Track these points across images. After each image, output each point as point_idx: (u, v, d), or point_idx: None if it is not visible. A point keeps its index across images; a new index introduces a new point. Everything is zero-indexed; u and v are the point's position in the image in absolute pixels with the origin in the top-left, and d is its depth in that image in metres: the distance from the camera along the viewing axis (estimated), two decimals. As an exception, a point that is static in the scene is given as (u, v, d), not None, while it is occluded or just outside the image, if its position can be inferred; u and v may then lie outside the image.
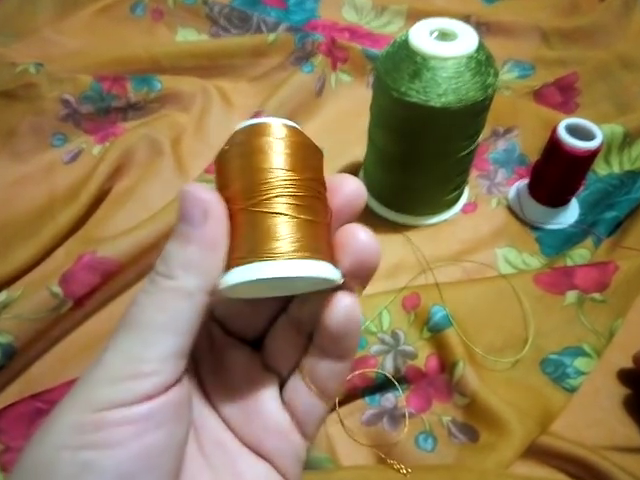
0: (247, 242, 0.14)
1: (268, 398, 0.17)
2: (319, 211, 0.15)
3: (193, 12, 0.52)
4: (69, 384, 0.28)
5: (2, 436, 0.27)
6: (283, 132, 0.15)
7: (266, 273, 0.13)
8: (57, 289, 0.31)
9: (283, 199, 0.14)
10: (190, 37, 0.53)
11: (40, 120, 0.42)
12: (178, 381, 0.14)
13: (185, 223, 0.14)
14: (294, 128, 0.16)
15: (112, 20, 0.53)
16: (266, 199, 0.14)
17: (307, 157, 0.15)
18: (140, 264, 0.35)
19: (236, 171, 0.15)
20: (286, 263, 0.14)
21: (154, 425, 0.13)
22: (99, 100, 0.43)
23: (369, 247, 0.15)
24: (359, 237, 0.15)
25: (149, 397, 0.13)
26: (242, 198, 0.14)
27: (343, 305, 0.15)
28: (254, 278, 0.13)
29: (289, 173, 0.14)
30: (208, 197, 0.14)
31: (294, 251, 0.14)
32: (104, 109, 0.43)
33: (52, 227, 0.36)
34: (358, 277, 0.16)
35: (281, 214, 0.14)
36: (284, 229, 0.14)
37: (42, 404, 0.27)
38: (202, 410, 0.17)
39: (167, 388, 0.14)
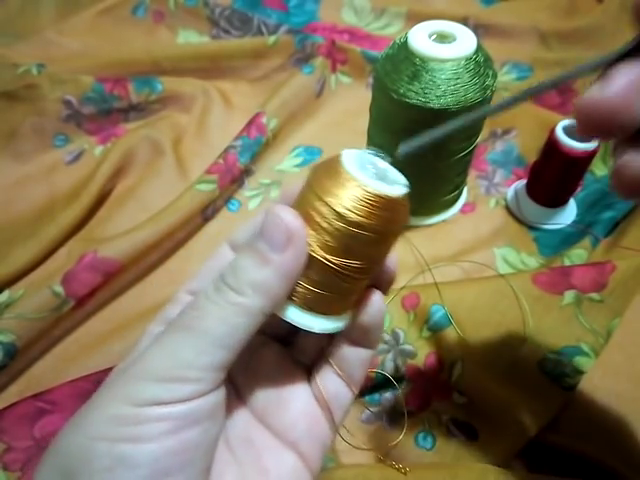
0: (310, 288, 0.15)
1: (299, 387, 0.18)
2: (366, 280, 0.17)
3: (194, 14, 0.53)
4: (70, 384, 0.28)
5: (4, 436, 0.27)
6: (371, 209, 0.15)
7: (318, 327, 0.16)
8: (59, 289, 0.31)
9: (348, 277, 0.16)
10: (191, 39, 0.53)
11: (42, 121, 0.42)
12: (217, 387, 0.15)
13: (265, 243, 0.14)
14: (386, 199, 0.15)
15: (114, 21, 0.53)
16: (335, 267, 0.15)
17: (383, 238, 0.16)
18: (141, 264, 0.35)
19: (316, 225, 0.15)
20: (333, 322, 0.16)
21: (190, 423, 0.14)
22: (101, 101, 0.43)
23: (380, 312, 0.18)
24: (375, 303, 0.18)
25: (188, 400, 0.14)
26: (316, 246, 0.15)
27: (377, 303, 0.17)
28: (309, 329, 0.16)
29: (362, 262, 0.15)
30: (295, 224, 0.14)
31: (341, 313, 0.17)
32: (106, 110, 0.44)
33: (53, 227, 0.36)
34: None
35: (341, 287, 0.16)
36: (340, 298, 0.16)
37: (43, 404, 0.28)
38: (231, 405, 0.17)
39: (206, 394, 0.14)
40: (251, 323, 0.14)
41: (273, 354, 0.18)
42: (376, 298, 0.17)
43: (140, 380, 0.14)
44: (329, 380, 0.18)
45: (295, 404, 0.17)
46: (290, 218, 0.15)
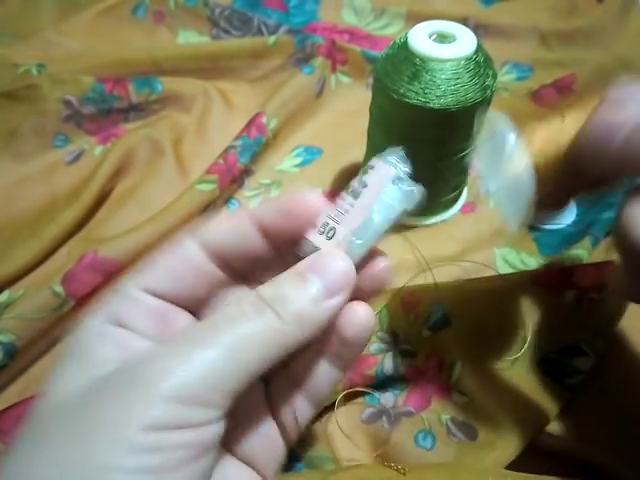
0: None
1: (258, 404, 0.17)
2: None
3: (194, 14, 0.53)
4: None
5: (4, 437, 0.27)
6: None
7: None
8: (59, 289, 0.31)
9: None
10: (191, 39, 0.53)
11: (42, 121, 0.42)
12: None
13: (323, 285, 0.15)
14: None
15: (114, 22, 0.53)
16: None
17: None
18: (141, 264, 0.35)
19: None
20: None
21: (206, 450, 0.13)
22: (101, 101, 0.43)
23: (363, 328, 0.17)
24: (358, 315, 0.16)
25: (208, 424, 0.13)
26: None
27: (363, 318, 0.16)
28: None
29: None
30: (353, 272, 0.15)
31: None
32: (106, 110, 0.44)
33: (54, 227, 0.36)
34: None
35: None
36: None
37: (43, 404, 0.28)
38: None
39: (221, 419, 0.13)
40: (286, 351, 0.14)
41: None
42: (361, 312, 0.16)
43: (161, 399, 0.12)
44: (290, 398, 0.17)
45: (252, 424, 0.17)
46: (349, 265, 0.15)
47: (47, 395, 0.14)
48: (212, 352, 0.13)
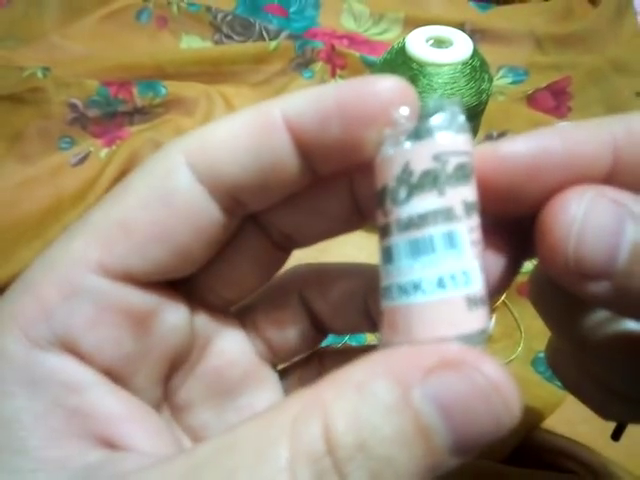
0: None
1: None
2: None
3: (197, 19, 0.53)
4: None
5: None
6: None
7: None
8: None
9: None
10: (194, 44, 0.54)
11: (47, 124, 0.43)
12: None
13: (453, 440, 0.08)
14: None
15: (117, 26, 0.53)
16: None
17: None
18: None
19: None
20: None
21: None
22: (106, 104, 0.44)
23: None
24: None
25: None
26: None
27: None
28: None
29: None
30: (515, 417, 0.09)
31: None
32: (111, 113, 0.44)
33: (59, 229, 0.37)
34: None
35: None
36: None
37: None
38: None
39: None
40: None
41: None
42: None
43: None
44: None
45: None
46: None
47: None
48: None
